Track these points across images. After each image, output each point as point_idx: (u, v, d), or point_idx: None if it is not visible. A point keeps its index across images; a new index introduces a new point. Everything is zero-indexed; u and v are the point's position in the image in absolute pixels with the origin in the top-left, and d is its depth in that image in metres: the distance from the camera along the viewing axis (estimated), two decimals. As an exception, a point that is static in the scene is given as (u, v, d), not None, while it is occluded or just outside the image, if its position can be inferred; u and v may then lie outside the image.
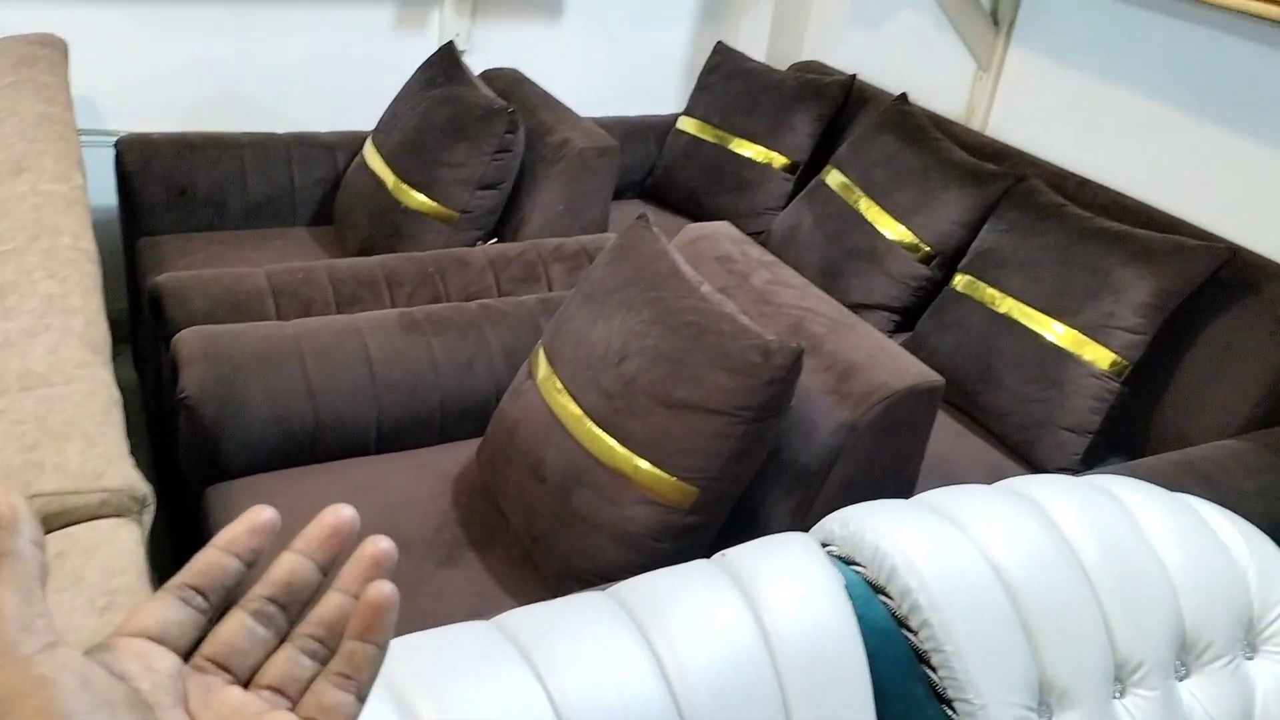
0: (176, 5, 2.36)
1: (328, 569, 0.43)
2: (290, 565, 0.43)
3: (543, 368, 1.44)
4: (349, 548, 0.43)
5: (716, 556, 0.96)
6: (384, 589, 0.41)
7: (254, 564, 0.43)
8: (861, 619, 0.94)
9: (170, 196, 2.21)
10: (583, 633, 0.85)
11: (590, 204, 2.11)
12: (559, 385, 1.39)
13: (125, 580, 0.83)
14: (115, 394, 1.01)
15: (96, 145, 2.35)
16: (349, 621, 0.41)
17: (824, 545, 1.02)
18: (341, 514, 0.43)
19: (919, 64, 2.66)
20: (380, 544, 0.42)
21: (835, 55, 2.92)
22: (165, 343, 1.64)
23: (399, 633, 0.95)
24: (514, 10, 2.75)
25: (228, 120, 2.47)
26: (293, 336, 1.58)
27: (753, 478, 1.36)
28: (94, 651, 0.38)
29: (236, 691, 0.41)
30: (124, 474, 0.91)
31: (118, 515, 0.90)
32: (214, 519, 1.48)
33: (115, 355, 2.54)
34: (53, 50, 1.83)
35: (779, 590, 0.91)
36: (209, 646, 0.41)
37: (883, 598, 0.97)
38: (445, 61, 2.22)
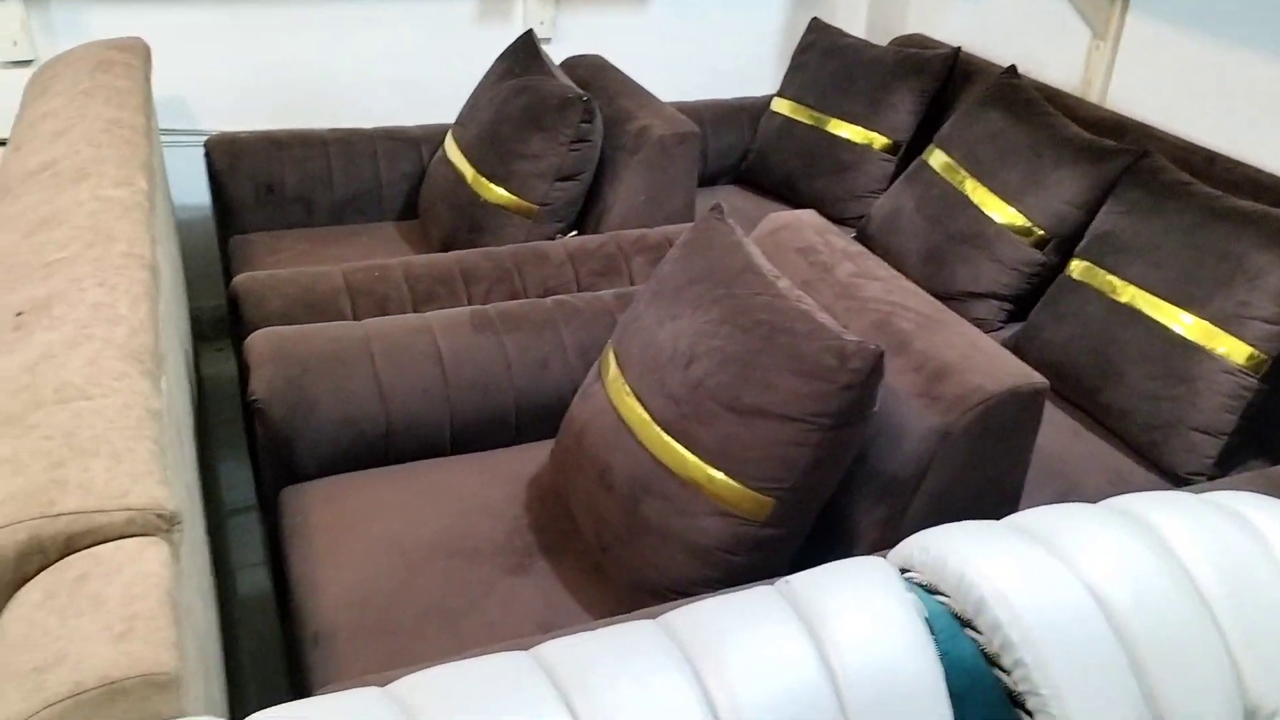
0: (261, 5, 2.36)
1: None
2: None
3: (611, 369, 1.37)
4: None
5: (780, 583, 0.87)
6: None
7: None
8: (945, 656, 0.84)
9: (259, 194, 2.22)
10: (625, 669, 0.78)
11: (673, 192, 2.03)
12: (627, 388, 1.31)
13: (146, 605, 0.79)
14: (154, 406, 0.97)
15: (187, 145, 2.37)
16: None
17: (904, 571, 0.92)
18: None
19: (1028, 34, 2.48)
20: None
21: (938, 27, 2.76)
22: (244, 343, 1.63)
23: (470, 644, 0.87)
24: (600, -6, 2.68)
25: (314, 117, 2.47)
26: (363, 337, 1.55)
27: (837, 487, 1.26)
28: None
29: None
30: (150, 492, 0.88)
31: (144, 534, 0.86)
32: (287, 522, 1.46)
33: (217, 350, 2.57)
34: (132, 54, 1.84)
35: (848, 623, 0.82)
36: None
37: (970, 632, 0.87)
38: (523, 50, 2.16)
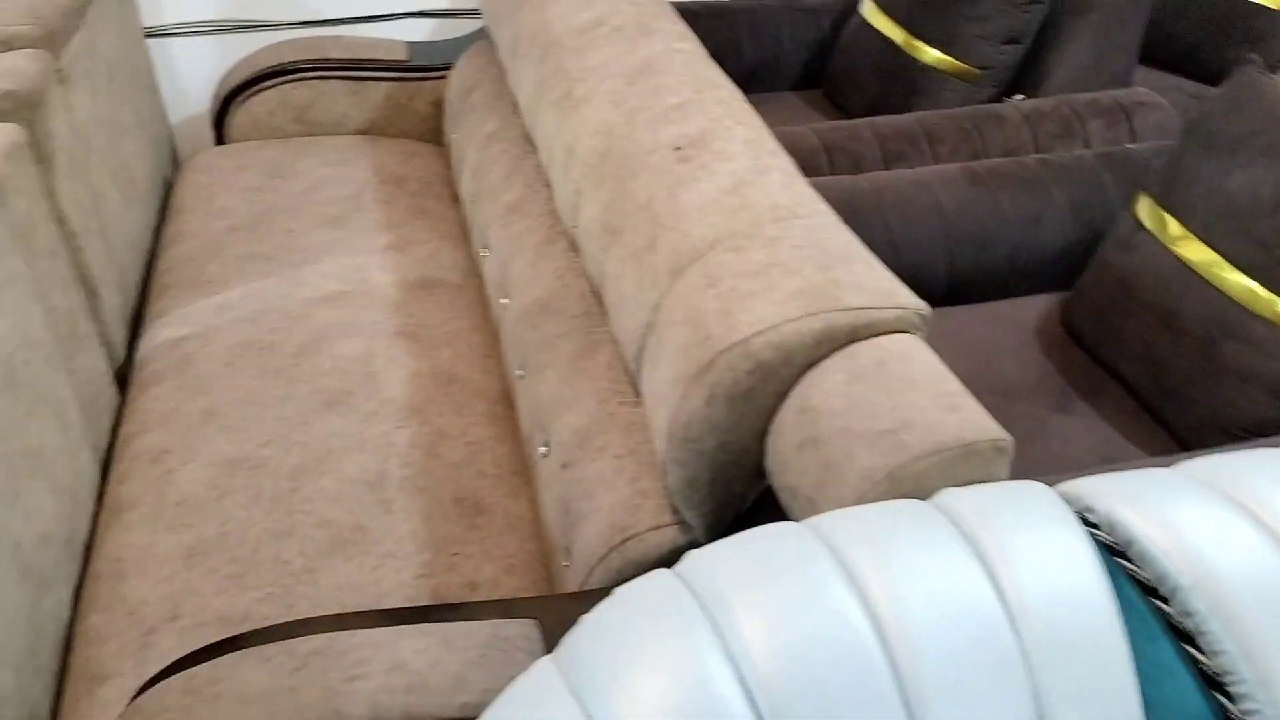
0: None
1: None
2: None
3: (1167, 221, 1.39)
4: None
5: (940, 497, 0.74)
6: None
7: None
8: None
9: (672, 64, 2.31)
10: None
11: (1116, 58, 2.00)
12: (1192, 237, 1.35)
13: (953, 386, 0.90)
14: (843, 229, 1.08)
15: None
16: None
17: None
18: None
19: None
20: None
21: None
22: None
23: (1037, 473, 0.83)
24: None
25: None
26: (872, 189, 1.63)
27: None
28: None
29: None
30: (907, 293, 0.98)
31: (905, 331, 0.97)
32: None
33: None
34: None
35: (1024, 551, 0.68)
36: None
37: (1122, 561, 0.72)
38: (951, -87, 2.15)
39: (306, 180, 2.03)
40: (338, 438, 1.41)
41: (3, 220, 1.25)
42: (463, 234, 1.92)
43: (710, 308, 0.99)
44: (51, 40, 1.59)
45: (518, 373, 1.43)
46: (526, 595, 1.23)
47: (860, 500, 0.85)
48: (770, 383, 0.95)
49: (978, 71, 2.00)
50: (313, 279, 1.73)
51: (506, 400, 1.52)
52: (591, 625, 0.70)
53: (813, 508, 0.89)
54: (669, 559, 1.07)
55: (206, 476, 1.36)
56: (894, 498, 0.84)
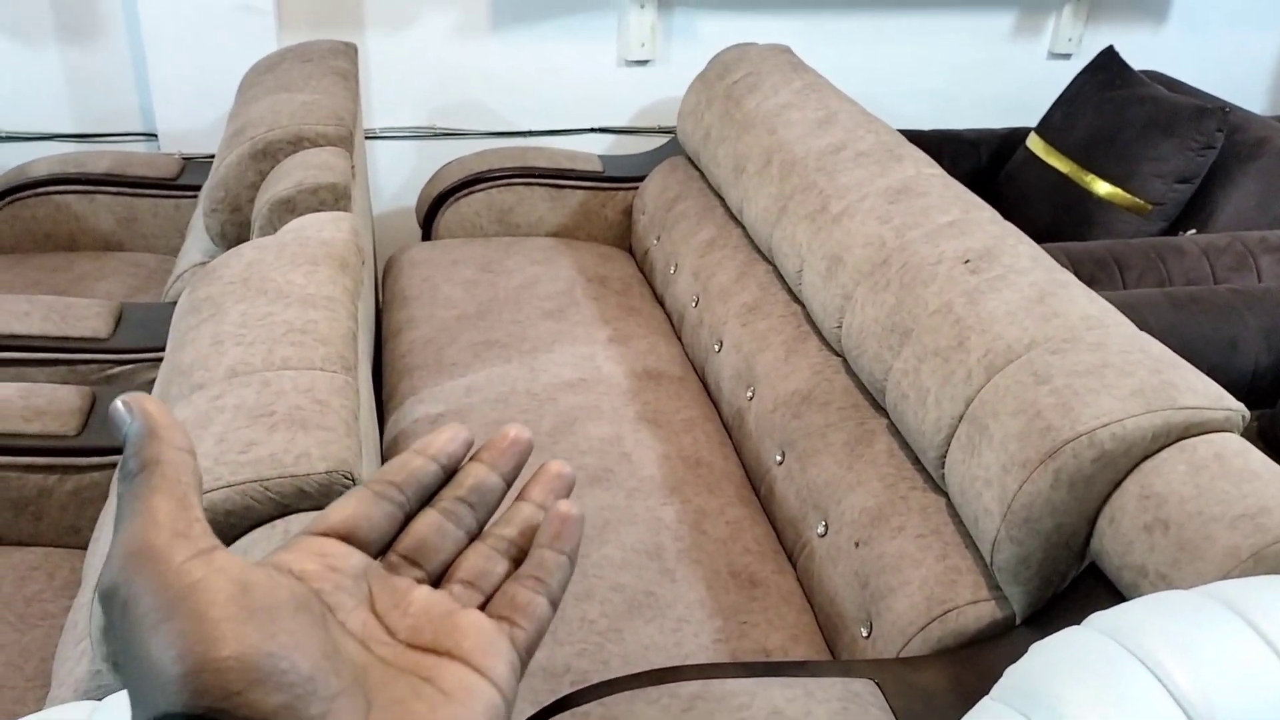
0: (824, 17, 2.65)
1: (511, 481, 0.44)
2: (477, 473, 0.43)
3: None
4: (524, 463, 0.44)
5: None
6: (572, 505, 0.42)
7: (448, 469, 0.43)
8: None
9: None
10: None
11: (1278, 201, 2.16)
12: None
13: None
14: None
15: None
16: (539, 530, 0.42)
17: None
18: (519, 430, 0.44)
19: None
20: (563, 465, 0.44)
21: None
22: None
23: None
24: (1122, 13, 2.83)
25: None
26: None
27: None
28: (271, 554, 0.38)
29: (425, 590, 0.40)
30: (1231, 398, 1.10)
31: (1231, 431, 1.09)
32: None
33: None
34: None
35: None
36: (402, 542, 0.41)
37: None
38: (1114, 65, 2.35)
39: (519, 276, 2.19)
40: (609, 510, 1.52)
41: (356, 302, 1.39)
42: (672, 331, 2.06)
43: (1046, 401, 1.11)
44: (347, 140, 1.77)
45: (776, 458, 1.55)
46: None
47: (1225, 578, 0.95)
48: (1109, 471, 1.07)
49: (1150, 206, 2.16)
50: (549, 366, 1.87)
51: (749, 483, 1.64)
52: (1040, 669, 0.80)
53: (1166, 584, 0.99)
54: (987, 631, 1.17)
55: (496, 540, 1.47)
56: (1258, 574, 0.94)
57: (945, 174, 1.64)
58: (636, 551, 1.45)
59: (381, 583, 0.40)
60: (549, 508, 0.42)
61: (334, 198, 1.60)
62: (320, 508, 0.95)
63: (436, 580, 0.41)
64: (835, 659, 1.32)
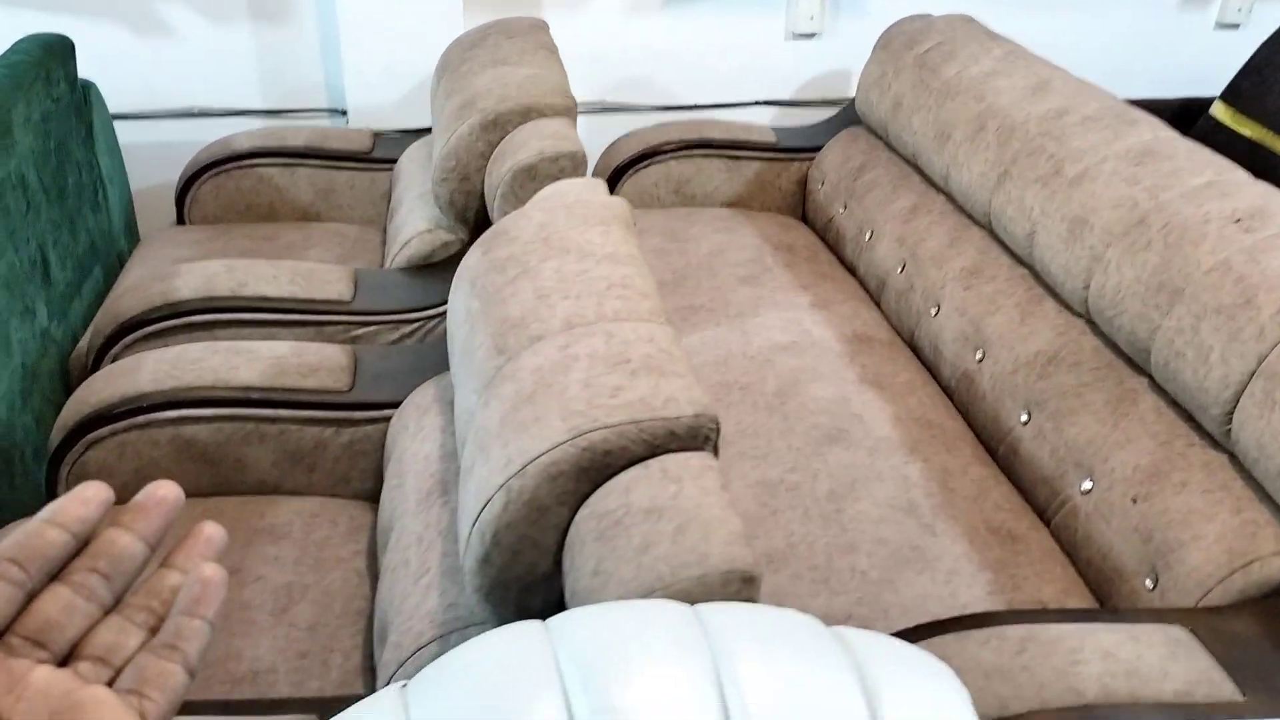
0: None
1: (155, 544, 0.42)
2: (115, 540, 0.41)
3: None
4: (173, 525, 0.43)
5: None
6: (216, 569, 0.41)
7: (81, 536, 0.41)
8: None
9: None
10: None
11: None
12: None
13: None
14: None
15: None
16: (179, 596, 0.41)
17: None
18: (166, 489, 0.43)
19: None
20: (215, 529, 0.43)
21: None
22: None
23: None
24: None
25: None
26: None
27: None
28: None
29: (45, 671, 0.39)
30: None
31: None
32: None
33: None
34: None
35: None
36: (23, 623, 0.39)
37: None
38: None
39: (706, 245, 2.22)
40: (853, 468, 1.56)
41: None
42: (868, 296, 2.08)
43: (1366, 354, 1.12)
44: (572, 111, 1.81)
45: (1022, 418, 1.56)
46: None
47: None
48: None
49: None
50: (759, 330, 1.90)
51: (981, 444, 1.66)
52: None
53: None
54: (1293, 581, 1.18)
55: (751, 496, 1.51)
56: None
57: (1183, 137, 1.64)
58: (891, 508, 1.48)
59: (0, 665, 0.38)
60: (191, 572, 0.42)
61: (573, 165, 1.65)
62: (687, 449, 1.00)
63: (65, 659, 0.40)
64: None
